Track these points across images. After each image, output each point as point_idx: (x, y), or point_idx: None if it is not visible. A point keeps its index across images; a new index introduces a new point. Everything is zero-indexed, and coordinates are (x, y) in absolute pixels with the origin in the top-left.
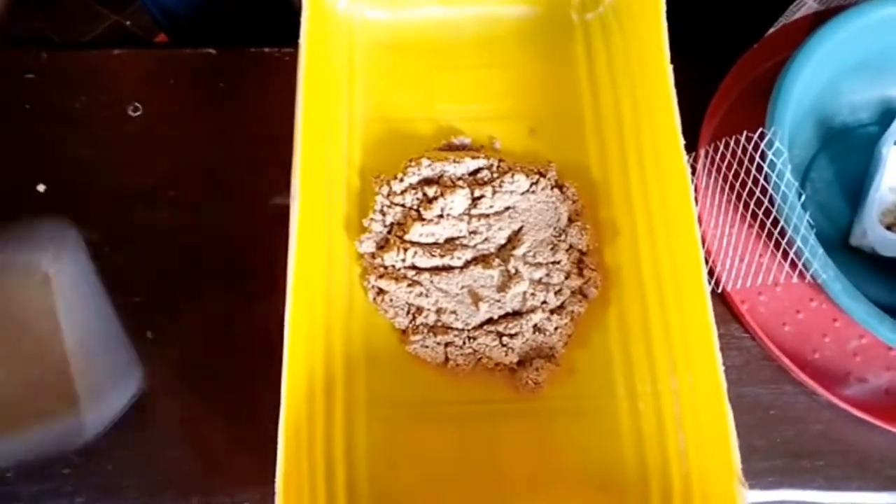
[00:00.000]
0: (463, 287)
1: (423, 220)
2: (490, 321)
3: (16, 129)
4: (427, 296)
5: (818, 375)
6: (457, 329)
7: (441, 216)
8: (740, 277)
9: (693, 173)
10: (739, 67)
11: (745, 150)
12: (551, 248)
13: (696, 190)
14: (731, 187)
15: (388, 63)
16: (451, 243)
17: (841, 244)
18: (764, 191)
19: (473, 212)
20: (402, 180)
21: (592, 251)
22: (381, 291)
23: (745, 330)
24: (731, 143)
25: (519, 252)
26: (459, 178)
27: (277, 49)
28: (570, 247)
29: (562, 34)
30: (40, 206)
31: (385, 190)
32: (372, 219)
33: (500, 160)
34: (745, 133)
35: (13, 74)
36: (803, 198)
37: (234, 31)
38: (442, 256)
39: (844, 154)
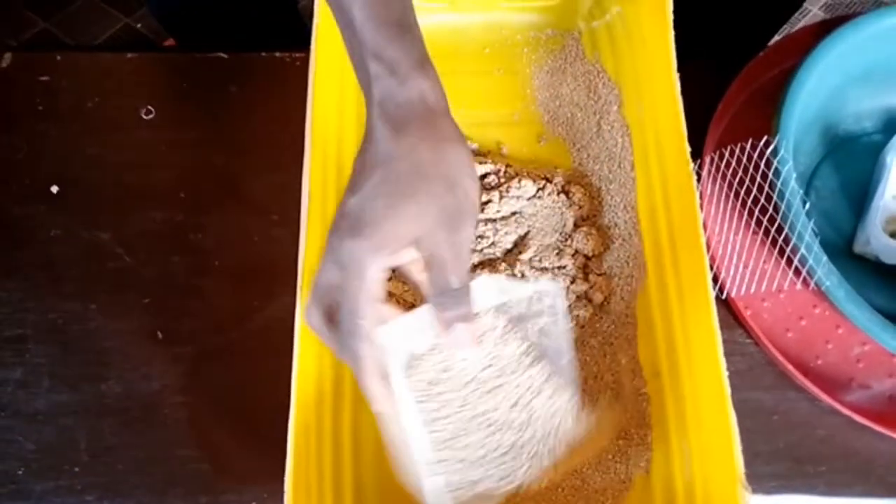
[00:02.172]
0: None
1: None
2: None
3: (29, 131)
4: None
5: (821, 381)
6: None
7: None
8: (744, 284)
9: (698, 180)
10: (745, 75)
11: (750, 157)
12: (557, 253)
13: (701, 196)
14: (736, 194)
15: None
16: None
17: (845, 251)
18: (769, 198)
19: (480, 216)
20: None
21: (597, 256)
22: (389, 294)
23: (748, 336)
24: (737, 151)
25: (525, 257)
26: None
27: (289, 54)
28: (576, 252)
29: (569, 42)
30: (53, 207)
31: None
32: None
33: (506, 165)
34: (750, 140)
35: (27, 76)
36: (807, 205)
37: (240, 36)
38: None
39: (849, 162)
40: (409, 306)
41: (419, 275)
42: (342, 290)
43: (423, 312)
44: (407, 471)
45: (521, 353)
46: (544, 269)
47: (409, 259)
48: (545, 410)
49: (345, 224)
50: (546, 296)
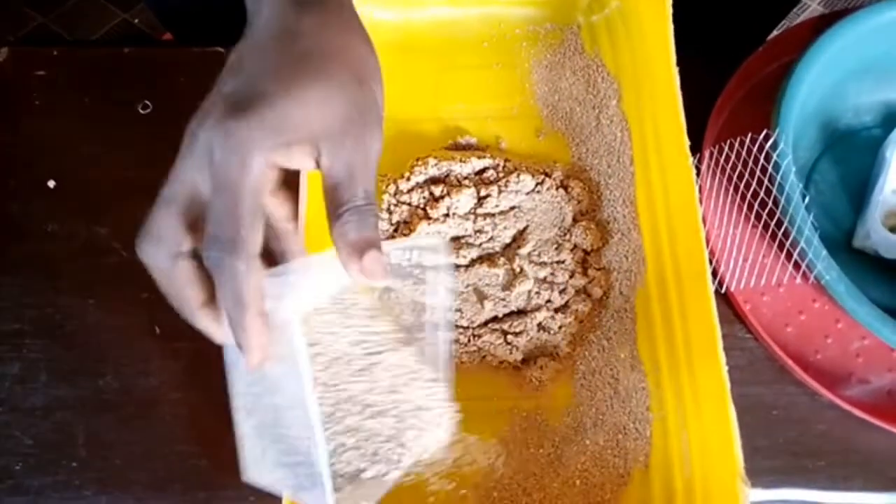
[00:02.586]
0: (468, 285)
1: (430, 219)
2: (495, 319)
3: (26, 126)
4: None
5: (821, 376)
6: (462, 327)
7: (447, 215)
8: (744, 278)
9: (698, 174)
10: (744, 70)
11: (749, 151)
12: (556, 248)
13: (700, 191)
14: (736, 188)
15: (395, 63)
16: (456, 242)
17: (844, 246)
18: (768, 192)
19: (479, 211)
20: (408, 179)
21: (596, 251)
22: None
23: (748, 330)
24: (736, 145)
25: (524, 251)
26: (465, 178)
27: None
28: (575, 246)
29: (568, 36)
30: (51, 201)
31: (392, 189)
32: (379, 218)
33: (505, 160)
34: (749, 135)
35: (24, 71)
36: (807, 199)
37: (237, 30)
38: (448, 255)
39: (848, 156)
40: None
41: (285, 215)
42: (217, 187)
43: (308, 262)
44: (279, 456)
45: (395, 331)
46: (543, 264)
47: (302, 165)
48: (419, 401)
49: (221, 106)
50: (429, 254)
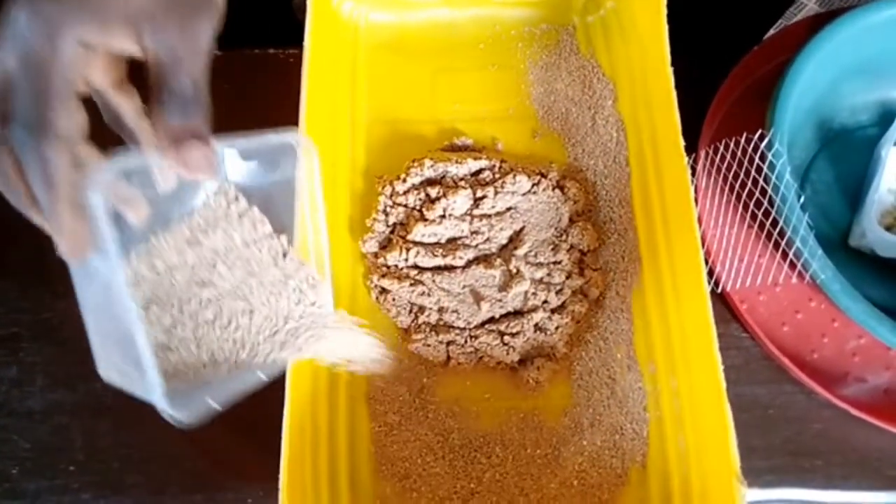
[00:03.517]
0: (465, 286)
1: (426, 220)
2: (492, 320)
3: None
4: (429, 295)
5: (817, 375)
6: (459, 328)
7: (443, 216)
8: (740, 277)
9: (693, 174)
10: (739, 69)
11: (744, 151)
12: (552, 249)
13: (696, 191)
14: (731, 188)
15: (391, 65)
16: (453, 243)
17: (840, 245)
18: (763, 192)
19: (475, 212)
20: (404, 181)
21: (593, 251)
22: (383, 291)
23: (744, 330)
24: (731, 145)
25: (520, 252)
26: (461, 179)
27: (282, 50)
28: (571, 247)
29: (563, 37)
30: None
31: (388, 190)
32: (375, 219)
33: (501, 161)
34: (745, 134)
35: None
36: (802, 199)
37: (232, 32)
38: (444, 256)
39: (844, 155)
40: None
41: (134, 110)
42: (24, 67)
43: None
44: (119, 350)
45: (262, 234)
46: (540, 265)
47: (122, 48)
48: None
49: None
50: (284, 151)
